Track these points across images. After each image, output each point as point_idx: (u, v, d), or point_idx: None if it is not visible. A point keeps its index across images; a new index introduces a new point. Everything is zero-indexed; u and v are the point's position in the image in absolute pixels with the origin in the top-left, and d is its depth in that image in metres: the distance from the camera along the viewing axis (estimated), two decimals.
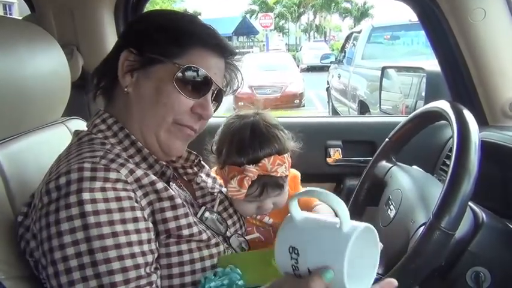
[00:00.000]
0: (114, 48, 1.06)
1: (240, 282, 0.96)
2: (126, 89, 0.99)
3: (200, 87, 1.00)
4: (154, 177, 0.94)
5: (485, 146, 1.03)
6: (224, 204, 1.19)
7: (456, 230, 0.92)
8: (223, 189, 1.23)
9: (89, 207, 0.82)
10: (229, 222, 1.16)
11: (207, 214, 1.08)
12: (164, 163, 1.03)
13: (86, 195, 0.82)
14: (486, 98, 1.56)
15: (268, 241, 1.31)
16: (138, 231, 0.86)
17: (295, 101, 11.02)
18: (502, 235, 1.08)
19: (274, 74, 11.74)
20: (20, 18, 1.71)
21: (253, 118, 1.18)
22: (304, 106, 11.19)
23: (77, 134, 1.03)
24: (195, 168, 1.17)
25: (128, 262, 0.82)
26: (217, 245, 1.01)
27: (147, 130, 1.00)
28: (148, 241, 0.88)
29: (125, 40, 1.05)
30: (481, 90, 1.56)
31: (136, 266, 0.83)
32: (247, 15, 51.67)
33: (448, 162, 0.97)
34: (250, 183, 1.10)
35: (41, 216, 0.84)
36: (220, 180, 1.29)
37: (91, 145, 0.95)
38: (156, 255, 0.90)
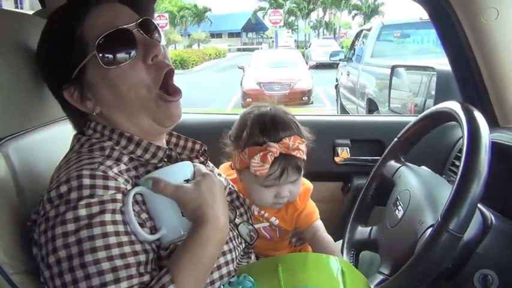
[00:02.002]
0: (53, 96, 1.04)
1: None
2: (95, 112, 0.99)
3: (125, 45, 0.95)
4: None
5: (495, 147, 1.02)
6: (232, 196, 1.21)
7: (464, 233, 0.92)
8: (230, 185, 1.24)
9: (83, 212, 0.83)
10: (237, 213, 1.17)
11: None
12: (166, 147, 1.03)
13: (82, 201, 0.83)
14: (497, 98, 1.54)
15: (273, 240, 1.32)
16: (127, 232, 0.86)
17: (303, 98, 11.01)
18: (511, 238, 1.07)
19: (283, 70, 11.73)
20: (31, 13, 1.71)
21: (270, 107, 1.24)
22: (312, 103, 11.17)
23: (77, 139, 1.02)
24: (201, 158, 1.17)
25: (118, 262, 0.82)
26: (226, 242, 1.01)
27: (138, 117, 0.99)
28: (141, 241, 0.88)
29: (51, 84, 1.03)
30: (492, 90, 1.54)
31: (127, 266, 0.83)
32: (257, 12, 51.57)
33: (457, 163, 0.97)
34: (272, 159, 1.14)
35: (41, 223, 0.86)
36: (226, 176, 1.30)
37: (90, 152, 0.95)
38: (152, 255, 0.90)
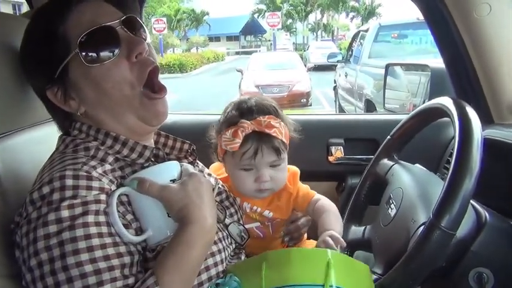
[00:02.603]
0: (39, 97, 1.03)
1: None
2: (79, 112, 0.97)
3: (108, 43, 0.93)
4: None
5: (490, 143, 1.01)
6: (221, 196, 1.19)
7: (457, 230, 0.90)
8: (220, 184, 1.22)
9: (65, 213, 0.81)
10: (227, 213, 1.15)
11: None
12: (153, 146, 1.01)
13: (65, 202, 0.82)
14: (492, 95, 1.52)
15: (266, 238, 1.30)
16: (111, 234, 0.84)
17: (302, 100, 11.01)
18: (506, 235, 1.05)
19: (281, 73, 11.74)
20: None
21: (253, 97, 1.26)
22: (311, 105, 11.17)
23: (63, 140, 1.00)
24: (190, 158, 1.15)
25: (102, 264, 0.80)
26: (215, 243, 1.00)
27: (123, 116, 0.97)
28: (125, 243, 0.86)
29: (34, 84, 1.02)
30: (486, 87, 1.52)
31: (111, 268, 0.81)
32: (255, 15, 51.68)
33: (451, 161, 0.94)
34: (243, 135, 1.14)
35: (23, 225, 0.84)
36: (216, 176, 1.29)
37: (74, 152, 0.94)
38: (137, 257, 0.88)
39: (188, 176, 0.93)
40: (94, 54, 0.92)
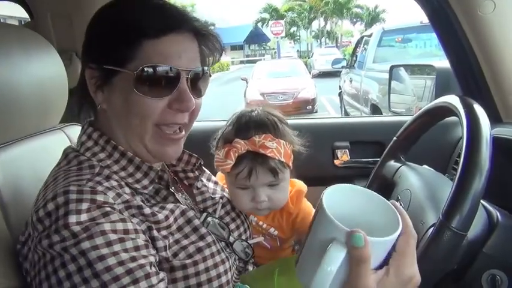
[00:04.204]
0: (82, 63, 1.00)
1: None
2: (101, 106, 0.96)
3: (167, 81, 0.91)
4: (141, 203, 0.91)
5: (499, 142, 0.98)
6: (226, 208, 1.16)
7: (468, 230, 0.87)
8: (226, 193, 1.20)
9: (77, 228, 0.78)
10: (232, 226, 1.13)
11: (209, 219, 1.05)
12: (159, 168, 0.98)
13: (72, 218, 0.79)
14: (499, 93, 1.50)
15: (273, 249, 1.27)
16: (122, 239, 0.81)
17: (307, 107, 10.98)
18: None
19: (286, 80, 11.74)
20: None
21: (256, 109, 1.19)
22: (316, 112, 11.14)
23: (65, 154, 0.97)
24: (196, 172, 1.13)
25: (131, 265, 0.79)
26: (218, 252, 0.97)
27: (132, 141, 0.95)
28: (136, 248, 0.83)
29: (84, 54, 0.98)
30: (493, 85, 1.49)
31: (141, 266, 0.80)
32: (258, 24, 51.94)
33: (459, 161, 0.92)
34: (236, 155, 1.09)
35: (36, 245, 0.81)
36: (222, 184, 1.26)
37: (79, 170, 0.91)
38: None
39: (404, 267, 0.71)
40: (146, 85, 0.89)
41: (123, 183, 0.92)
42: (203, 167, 1.17)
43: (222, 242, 1.04)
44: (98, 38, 0.94)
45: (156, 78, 0.89)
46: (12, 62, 1.05)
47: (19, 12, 1.73)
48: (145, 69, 0.88)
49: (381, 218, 0.72)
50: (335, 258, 0.65)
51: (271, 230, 1.24)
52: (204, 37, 0.97)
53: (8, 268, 0.89)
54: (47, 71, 1.17)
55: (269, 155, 1.09)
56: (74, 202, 0.81)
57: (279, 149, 1.11)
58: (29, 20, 1.60)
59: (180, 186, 1.12)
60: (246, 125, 1.14)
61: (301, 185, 1.29)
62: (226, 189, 1.23)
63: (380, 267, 0.68)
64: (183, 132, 0.99)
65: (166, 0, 0.95)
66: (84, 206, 0.81)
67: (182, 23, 0.92)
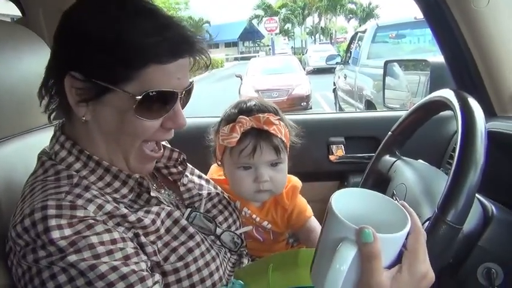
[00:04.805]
0: (53, 64, 0.91)
1: None
2: (83, 118, 0.88)
3: (165, 103, 0.88)
4: (125, 210, 0.87)
5: (494, 136, 0.98)
6: (213, 201, 1.15)
7: (463, 224, 0.87)
8: (212, 187, 1.20)
9: (63, 243, 0.77)
10: (220, 218, 1.12)
11: (194, 213, 1.04)
12: (138, 176, 0.95)
13: (56, 234, 0.77)
14: (493, 87, 1.49)
15: (267, 242, 1.27)
16: (110, 251, 0.80)
17: (302, 104, 10.97)
18: None
19: (280, 77, 11.71)
20: None
21: (253, 99, 1.23)
22: (311, 108, 11.14)
23: (41, 162, 0.93)
24: (180, 167, 1.12)
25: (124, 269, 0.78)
26: (208, 250, 0.96)
27: (114, 154, 0.93)
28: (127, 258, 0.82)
29: (60, 55, 0.88)
30: (487, 79, 1.49)
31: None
32: (253, 21, 51.85)
33: (455, 154, 0.92)
34: (242, 130, 1.12)
35: (20, 259, 0.80)
36: (217, 176, 1.28)
37: (57, 181, 0.87)
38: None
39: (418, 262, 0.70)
40: (146, 107, 0.86)
41: (102, 192, 0.89)
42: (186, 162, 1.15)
43: (210, 237, 1.03)
44: (89, 48, 0.83)
45: (157, 101, 0.87)
46: (4, 59, 1.04)
47: (11, 10, 1.71)
48: (151, 93, 0.84)
49: (390, 217, 0.72)
50: (346, 257, 0.65)
51: (265, 223, 1.25)
52: (199, 53, 0.93)
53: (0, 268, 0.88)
54: (39, 68, 1.15)
55: (272, 132, 1.12)
56: (53, 217, 0.78)
57: (280, 128, 1.14)
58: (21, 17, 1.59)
59: (162, 182, 1.10)
60: (249, 108, 1.18)
61: (296, 180, 1.30)
62: (212, 182, 1.23)
63: (392, 265, 0.68)
64: (161, 150, 1.00)
65: (176, 20, 0.88)
66: (64, 221, 0.78)
67: (192, 49, 0.89)
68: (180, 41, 0.86)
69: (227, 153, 1.18)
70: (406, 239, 0.69)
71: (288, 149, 1.20)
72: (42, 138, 1.17)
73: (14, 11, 1.64)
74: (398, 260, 0.69)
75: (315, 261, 0.73)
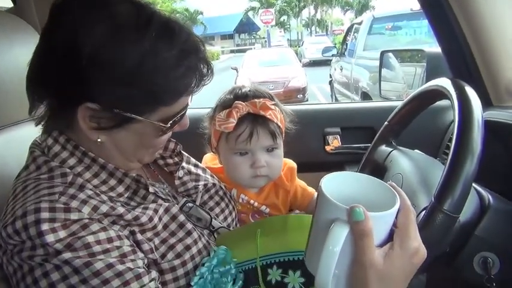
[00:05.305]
0: (57, 85, 0.82)
1: (229, 257, 0.91)
2: (98, 140, 0.86)
3: (180, 118, 0.91)
4: (121, 210, 0.85)
5: (490, 125, 0.97)
6: (210, 193, 1.13)
7: (460, 213, 0.86)
8: (209, 176, 1.19)
9: (59, 246, 0.75)
10: (217, 210, 1.11)
11: (189, 204, 1.03)
12: (134, 174, 0.93)
13: (50, 238, 0.75)
14: (489, 77, 1.48)
15: None
16: (107, 250, 0.79)
17: (298, 96, 10.96)
18: (510, 218, 1.01)
19: (276, 69, 11.68)
20: None
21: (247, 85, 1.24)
22: (307, 100, 11.12)
23: (34, 158, 0.90)
24: (176, 158, 1.11)
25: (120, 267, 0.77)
26: (205, 247, 0.95)
27: (119, 161, 0.93)
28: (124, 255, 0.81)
29: (69, 82, 0.80)
30: (483, 69, 1.48)
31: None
32: (248, 13, 51.61)
33: (451, 145, 0.91)
34: (238, 115, 1.12)
35: (11, 257, 0.78)
36: (212, 165, 1.28)
37: (50, 179, 0.84)
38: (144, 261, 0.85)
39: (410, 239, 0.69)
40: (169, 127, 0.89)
41: (97, 191, 0.87)
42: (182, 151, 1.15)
43: (205, 231, 1.02)
44: (108, 79, 0.78)
45: (179, 121, 0.91)
46: None
47: (3, 2, 1.68)
48: (176, 120, 0.88)
49: (379, 198, 0.72)
50: (338, 237, 0.65)
51: (263, 208, 1.24)
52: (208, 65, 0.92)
53: None
54: (30, 58, 1.14)
55: (269, 117, 1.12)
56: (46, 222, 0.76)
57: (276, 114, 1.14)
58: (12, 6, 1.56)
59: (159, 175, 1.09)
60: (244, 93, 1.19)
61: (291, 162, 1.32)
62: (209, 171, 1.22)
63: (384, 244, 0.69)
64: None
65: (185, 30, 0.85)
66: (58, 224, 0.76)
67: (209, 67, 0.89)
68: (198, 63, 0.86)
69: (223, 139, 1.18)
70: (396, 218, 0.69)
71: (283, 134, 1.20)
72: (36, 129, 1.15)
73: (6, 3, 1.61)
74: (389, 238, 0.69)
75: (309, 245, 0.73)
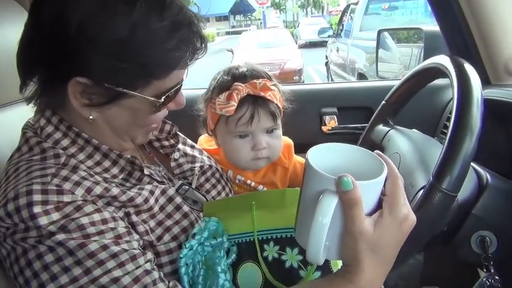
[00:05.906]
0: (45, 62, 0.79)
1: (220, 229, 0.89)
2: (90, 118, 0.84)
3: (176, 93, 0.88)
4: (116, 191, 0.83)
5: (488, 104, 0.96)
6: (206, 175, 1.12)
7: (458, 192, 0.85)
8: (205, 157, 1.17)
9: (53, 228, 0.74)
10: (214, 192, 1.10)
11: (185, 187, 1.01)
12: (129, 156, 0.91)
13: (43, 220, 0.73)
14: (488, 55, 1.46)
15: None
16: (101, 231, 0.78)
17: (294, 78, 10.90)
18: (508, 197, 1.01)
19: (272, 51, 11.59)
20: None
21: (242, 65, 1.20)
22: (303, 82, 11.08)
23: (26, 139, 0.88)
24: (172, 141, 1.09)
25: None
26: (197, 220, 0.94)
27: (112, 140, 0.91)
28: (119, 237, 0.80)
29: (58, 56, 0.77)
30: (482, 47, 1.46)
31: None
32: None
33: (449, 124, 0.89)
34: (239, 98, 1.09)
35: (4, 239, 0.77)
36: (208, 146, 1.26)
37: (43, 160, 0.82)
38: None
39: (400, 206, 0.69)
40: (163, 106, 0.87)
41: (91, 172, 0.85)
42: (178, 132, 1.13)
43: (201, 213, 1.00)
44: (99, 52, 0.76)
45: (173, 97, 0.88)
46: None
47: None
48: (171, 93, 0.85)
49: (366, 167, 0.71)
50: (328, 208, 0.64)
51: (260, 187, 1.23)
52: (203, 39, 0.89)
53: None
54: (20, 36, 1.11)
55: (269, 98, 1.10)
56: (38, 204, 0.74)
57: (275, 94, 1.12)
58: None
59: (154, 157, 1.07)
60: (242, 74, 1.15)
61: (287, 139, 1.30)
62: (205, 153, 1.20)
63: (373, 213, 0.68)
64: None
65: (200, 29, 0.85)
66: (50, 206, 0.75)
67: (204, 42, 0.86)
68: (191, 36, 0.82)
69: (222, 122, 1.15)
70: (384, 186, 0.69)
71: (282, 114, 1.19)
72: (28, 110, 1.13)
73: None
74: (378, 207, 0.69)
75: (298, 219, 0.72)
